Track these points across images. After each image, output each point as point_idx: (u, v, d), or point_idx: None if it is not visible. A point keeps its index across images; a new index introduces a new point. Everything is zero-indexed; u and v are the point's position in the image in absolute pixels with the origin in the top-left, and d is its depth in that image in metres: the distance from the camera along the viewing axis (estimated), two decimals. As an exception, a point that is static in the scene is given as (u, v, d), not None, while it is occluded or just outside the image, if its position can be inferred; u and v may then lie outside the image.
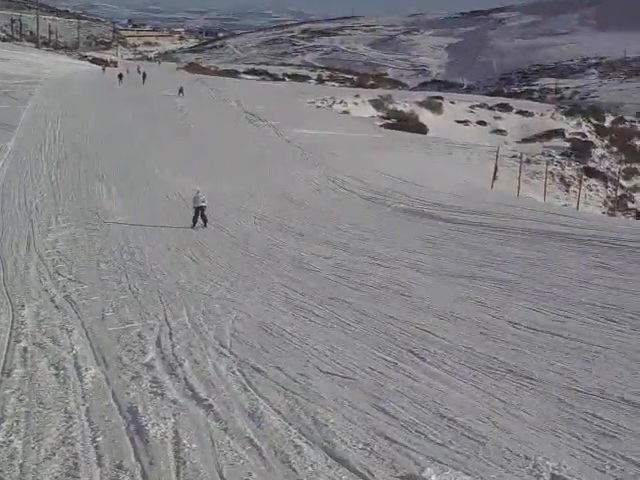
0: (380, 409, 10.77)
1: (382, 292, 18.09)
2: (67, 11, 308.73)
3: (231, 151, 44.91)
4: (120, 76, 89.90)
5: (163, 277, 19.54)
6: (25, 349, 13.49)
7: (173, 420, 10.40)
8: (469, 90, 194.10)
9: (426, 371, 12.51)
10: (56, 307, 16.35)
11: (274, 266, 21.25)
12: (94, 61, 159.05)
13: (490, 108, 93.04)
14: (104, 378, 12.16)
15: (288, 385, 11.76)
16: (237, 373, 12.34)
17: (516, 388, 11.74)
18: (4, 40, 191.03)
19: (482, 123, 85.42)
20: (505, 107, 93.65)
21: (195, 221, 27.26)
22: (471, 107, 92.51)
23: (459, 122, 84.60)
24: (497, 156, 44.37)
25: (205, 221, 27.37)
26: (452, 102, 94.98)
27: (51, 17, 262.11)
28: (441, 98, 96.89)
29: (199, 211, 27.27)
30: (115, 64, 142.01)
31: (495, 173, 41.27)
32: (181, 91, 74.41)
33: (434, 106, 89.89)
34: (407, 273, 20.16)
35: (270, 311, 16.44)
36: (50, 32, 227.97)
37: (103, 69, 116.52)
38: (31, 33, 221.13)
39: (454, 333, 14.64)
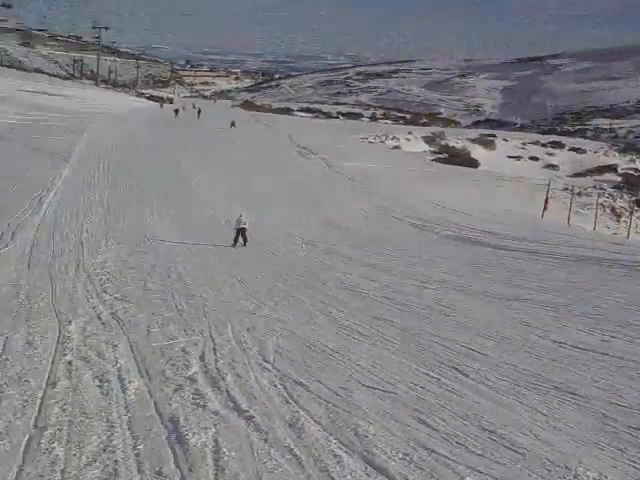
0: (421, 421, 10.66)
1: (427, 312, 17.98)
2: (127, 52, 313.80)
3: (282, 182, 45.16)
4: (176, 111, 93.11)
5: (209, 296, 19.57)
6: (70, 362, 13.55)
7: (214, 430, 10.36)
8: (522, 129, 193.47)
9: (469, 386, 12.37)
10: (102, 324, 16.40)
11: (320, 287, 21.21)
12: (151, 98, 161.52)
13: (543, 145, 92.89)
14: (147, 390, 12.16)
15: (329, 398, 11.69)
16: (279, 386, 12.30)
17: (559, 402, 11.59)
18: (65, 78, 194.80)
19: (534, 159, 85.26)
20: (558, 144, 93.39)
21: (236, 240, 28.79)
22: (523, 144, 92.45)
23: (511, 157, 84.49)
24: (548, 187, 44.09)
25: (245, 241, 28.83)
26: (505, 139, 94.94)
27: (112, 58, 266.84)
28: (494, 136, 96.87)
29: (240, 232, 28.83)
30: (171, 101, 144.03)
31: (546, 204, 40.98)
32: (233, 124, 77.15)
33: (486, 142, 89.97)
34: (453, 295, 20.04)
35: (315, 329, 16.37)
36: (110, 71, 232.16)
37: (161, 105, 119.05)
38: (92, 72, 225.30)
39: (498, 351, 14.49)
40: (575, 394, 11.91)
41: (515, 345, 14.97)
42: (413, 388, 12.25)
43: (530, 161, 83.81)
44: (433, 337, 15.51)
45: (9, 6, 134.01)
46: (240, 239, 28.92)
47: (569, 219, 44.42)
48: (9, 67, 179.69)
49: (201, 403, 11.50)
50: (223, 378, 12.69)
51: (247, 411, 11.10)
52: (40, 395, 11.89)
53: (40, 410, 11.31)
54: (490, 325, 16.57)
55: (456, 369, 13.37)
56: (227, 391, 12.03)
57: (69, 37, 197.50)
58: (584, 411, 11.20)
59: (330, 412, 11.10)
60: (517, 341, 15.23)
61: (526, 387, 12.34)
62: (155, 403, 11.55)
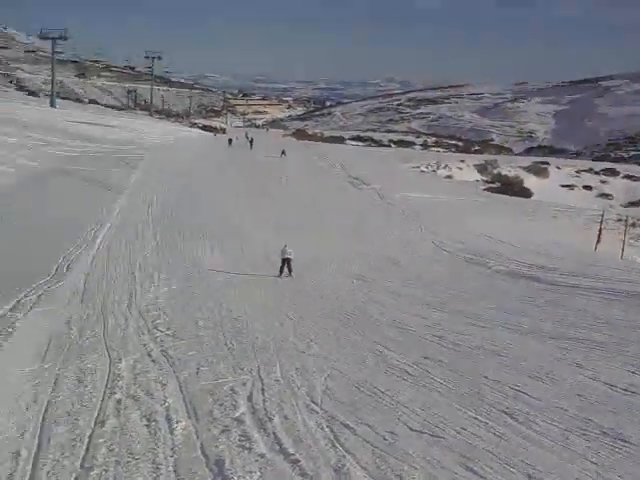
0: (468, 469, 10.60)
1: (477, 352, 17.84)
2: (180, 82, 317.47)
3: (334, 213, 45.27)
4: (230, 141, 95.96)
5: (259, 334, 19.60)
6: (119, 401, 13.68)
7: (259, 474, 10.40)
8: (576, 155, 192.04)
9: (517, 432, 12.25)
10: (152, 361, 16.52)
11: (370, 325, 21.14)
12: (204, 128, 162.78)
13: (596, 173, 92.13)
14: (194, 431, 12.22)
15: (377, 442, 11.65)
16: (326, 429, 12.28)
17: (610, 451, 11.41)
18: (120, 109, 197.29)
19: (588, 187, 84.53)
20: (612, 172, 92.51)
21: (281, 270, 29.88)
22: (577, 172, 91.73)
23: (564, 186, 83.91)
24: (602, 219, 43.64)
25: (290, 271, 29.83)
26: (558, 167, 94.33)
27: (165, 88, 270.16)
28: (547, 163, 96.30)
29: (285, 262, 29.97)
30: (224, 131, 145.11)
31: (599, 236, 40.52)
32: (283, 153, 78.87)
33: (539, 171, 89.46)
34: (504, 334, 19.87)
35: (363, 369, 16.32)
36: (163, 101, 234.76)
37: (214, 135, 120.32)
38: (145, 102, 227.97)
39: (548, 394, 14.33)
40: (627, 442, 11.72)
41: (565, 387, 14.80)
42: (461, 432, 12.17)
43: (584, 190, 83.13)
44: (482, 378, 15.39)
45: (65, 38, 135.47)
46: (285, 269, 29.92)
47: (622, 252, 44.01)
48: (65, 99, 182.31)
49: (247, 445, 11.53)
50: (270, 420, 12.71)
51: (293, 455, 11.12)
52: (88, 434, 12.02)
53: (88, 449, 11.43)
54: (540, 366, 16.39)
55: (505, 413, 13.26)
56: (274, 433, 12.04)
57: (124, 68, 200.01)
58: (637, 460, 11.01)
59: (377, 457, 11.07)
60: (567, 383, 15.06)
61: (576, 433, 12.19)
62: (202, 445, 11.61)
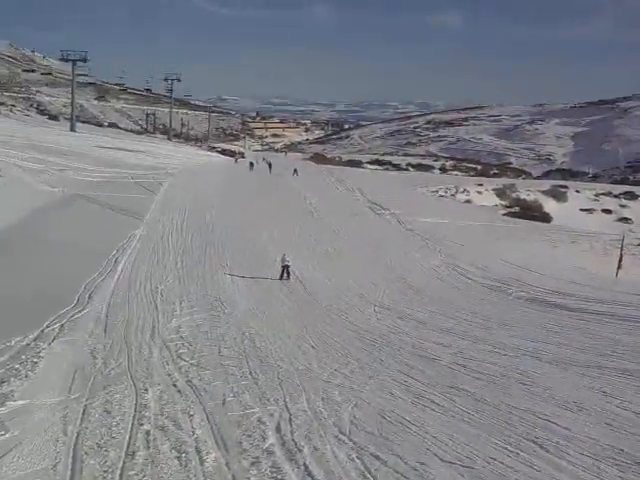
0: (501, 499, 10.62)
1: (503, 381, 17.82)
2: (198, 105, 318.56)
3: (353, 239, 45.24)
4: (251, 164, 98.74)
5: (283, 363, 19.63)
6: (148, 432, 13.75)
7: (293, 506, 10.47)
8: (594, 178, 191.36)
9: (548, 461, 12.27)
10: (178, 391, 16.59)
11: (393, 354, 21.14)
12: (223, 152, 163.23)
13: (615, 196, 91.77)
14: (224, 462, 12.31)
15: (407, 473, 11.70)
16: (356, 460, 12.34)
17: (643, 482, 11.40)
18: (139, 133, 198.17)
19: (607, 211, 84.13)
20: (631, 195, 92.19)
21: (282, 276, 33.93)
22: (596, 195, 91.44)
23: (583, 210, 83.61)
24: (622, 244, 43.47)
25: (289, 275, 34.04)
26: (577, 191, 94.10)
27: (184, 111, 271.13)
28: (566, 187, 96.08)
29: (284, 268, 34.09)
30: (242, 155, 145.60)
31: (620, 261, 40.34)
32: (295, 172, 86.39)
33: (558, 195, 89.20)
34: (529, 362, 19.82)
35: (390, 399, 16.36)
36: (182, 125, 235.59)
37: (235, 160, 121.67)
38: (164, 126, 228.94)
39: (577, 423, 14.33)
40: (659, 473, 11.71)
41: (594, 417, 14.78)
42: (491, 463, 12.21)
43: (603, 214, 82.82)
44: (510, 408, 15.40)
45: (85, 60, 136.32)
46: (285, 274, 33.98)
47: (645, 277, 43.62)
48: (85, 122, 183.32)
49: (279, 477, 11.63)
50: (300, 450, 12.78)
51: (325, 486, 11.18)
52: (120, 466, 12.08)
53: (121, 481, 11.51)
54: (568, 395, 16.37)
55: (535, 442, 13.29)
56: (304, 465, 12.11)
57: (145, 90, 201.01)
58: (669, 491, 11.02)
59: (408, 489, 11.12)
60: (596, 412, 15.04)
61: (608, 463, 12.19)
62: (233, 476, 11.68)
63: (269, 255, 37.45)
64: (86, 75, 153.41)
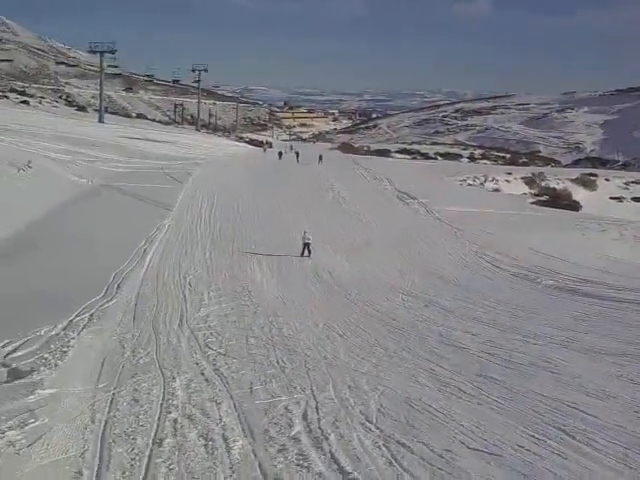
0: (528, 487, 10.58)
1: (531, 369, 17.74)
2: (225, 95, 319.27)
3: (381, 228, 45.21)
4: (280, 154, 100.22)
5: (310, 352, 19.65)
6: (176, 420, 13.80)
7: (318, 493, 10.48)
8: (624, 166, 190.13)
9: (576, 449, 12.20)
10: (206, 380, 16.64)
11: (421, 342, 21.09)
12: (251, 142, 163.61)
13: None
14: (251, 450, 12.32)
15: (434, 460, 11.68)
16: (383, 448, 12.33)
17: (672, 469, 11.32)
18: (167, 124, 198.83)
19: (637, 199, 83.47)
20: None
21: (303, 252, 36.57)
22: (626, 183, 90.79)
23: (613, 198, 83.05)
24: (653, 231, 43.22)
25: (309, 252, 36.56)
26: (606, 179, 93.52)
27: (211, 101, 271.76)
28: (595, 175, 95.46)
29: (305, 245, 36.73)
30: (270, 145, 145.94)
31: (651, 249, 40.03)
32: (320, 159, 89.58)
33: (588, 183, 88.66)
34: (557, 350, 19.69)
35: (416, 387, 16.33)
36: (210, 115, 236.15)
37: (264, 150, 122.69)
38: (192, 117, 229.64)
39: (606, 412, 14.23)
40: (689, 460, 11.61)
41: (623, 405, 14.68)
42: (519, 451, 12.15)
43: (633, 202, 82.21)
44: (538, 396, 15.33)
45: (113, 52, 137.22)
46: (306, 251, 36.54)
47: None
48: (113, 114, 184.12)
49: (305, 464, 11.62)
50: (326, 438, 12.79)
51: (351, 473, 11.19)
52: (147, 454, 12.13)
53: (147, 470, 11.55)
54: (596, 383, 16.26)
55: (563, 430, 13.22)
56: (331, 452, 12.12)
57: (173, 82, 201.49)
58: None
59: (434, 475, 11.13)
60: (625, 401, 14.94)
61: (636, 450, 12.11)
62: (260, 464, 11.70)
63: (297, 246, 37.40)
64: (116, 67, 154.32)
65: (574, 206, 70.44)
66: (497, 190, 79.84)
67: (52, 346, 18.05)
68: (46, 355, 17.21)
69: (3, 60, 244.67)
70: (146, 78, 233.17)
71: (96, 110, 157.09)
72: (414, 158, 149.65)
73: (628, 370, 17.49)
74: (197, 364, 18.06)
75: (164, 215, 44.22)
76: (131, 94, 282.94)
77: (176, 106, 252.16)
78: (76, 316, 21.43)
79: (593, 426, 13.36)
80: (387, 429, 13.31)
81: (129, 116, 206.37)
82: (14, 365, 16.29)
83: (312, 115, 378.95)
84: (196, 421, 13.81)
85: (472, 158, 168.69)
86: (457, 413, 14.24)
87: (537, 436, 12.90)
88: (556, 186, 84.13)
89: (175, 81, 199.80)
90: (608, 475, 11.09)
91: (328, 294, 28.68)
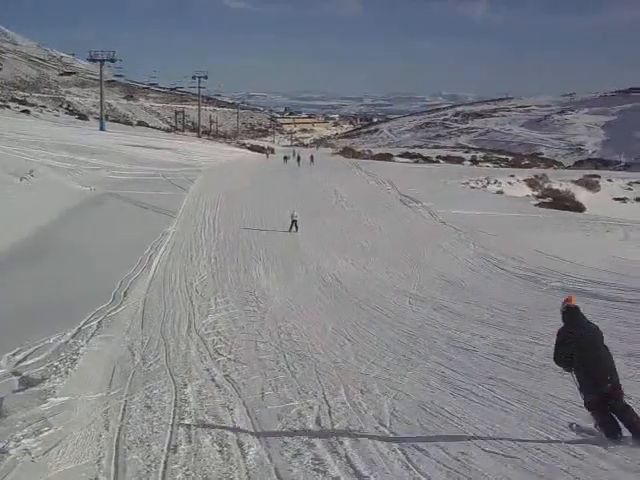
0: (545, 488, 10.58)
1: (542, 370, 17.74)
2: (226, 102, 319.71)
3: (386, 231, 45.25)
4: (285, 158, 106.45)
5: (320, 356, 19.68)
6: (189, 426, 13.82)
7: (336, 497, 10.50)
8: (626, 167, 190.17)
9: (592, 450, 12.16)
10: (217, 386, 16.68)
11: (430, 345, 21.12)
12: (252, 148, 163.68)
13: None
14: (266, 455, 12.32)
15: (450, 463, 11.67)
16: (398, 451, 12.32)
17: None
18: (168, 131, 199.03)
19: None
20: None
21: (290, 228, 44.43)
22: (629, 184, 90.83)
23: (617, 199, 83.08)
24: (657, 232, 43.25)
25: (297, 228, 44.50)
26: (609, 180, 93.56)
27: (212, 108, 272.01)
28: (597, 176, 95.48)
29: (293, 222, 44.60)
30: (272, 151, 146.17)
31: (656, 250, 40.00)
32: (312, 160, 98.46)
33: (590, 184, 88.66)
34: (567, 351, 19.70)
35: (428, 391, 16.35)
36: (211, 122, 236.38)
37: (267, 155, 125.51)
38: (193, 123, 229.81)
39: (619, 411, 14.21)
40: None
41: (636, 405, 14.65)
42: (534, 452, 12.12)
43: (637, 203, 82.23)
44: (551, 397, 15.35)
45: (113, 60, 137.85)
46: (294, 227, 44.27)
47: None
48: (114, 121, 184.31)
49: (321, 469, 11.62)
50: (341, 443, 12.76)
51: (368, 477, 11.19)
52: (163, 460, 12.14)
53: (164, 476, 11.57)
54: (607, 384, 16.26)
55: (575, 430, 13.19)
56: (346, 456, 12.11)
57: (170, 90, 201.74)
58: None
59: (451, 478, 11.09)
60: (638, 400, 14.90)
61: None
62: (276, 469, 11.69)
63: (300, 249, 37.45)
64: (122, 76, 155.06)
65: (578, 207, 70.39)
66: (500, 192, 79.78)
67: (62, 354, 18.07)
68: (56, 363, 17.23)
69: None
70: (148, 86, 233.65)
71: (97, 118, 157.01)
72: (416, 162, 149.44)
73: (637, 370, 17.51)
74: (207, 370, 18.11)
75: (168, 222, 44.30)
76: (132, 102, 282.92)
77: (177, 113, 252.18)
78: (84, 324, 21.46)
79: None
80: (401, 433, 13.32)
81: (130, 124, 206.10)
82: (25, 373, 16.32)
83: (313, 120, 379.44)
84: (210, 427, 13.82)
85: (474, 161, 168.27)
86: (470, 416, 14.25)
87: (552, 437, 12.90)
88: (559, 188, 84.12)
89: (172, 89, 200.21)
90: (625, 476, 11.05)
91: (335, 298, 28.69)
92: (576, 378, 12.51)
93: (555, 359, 12.85)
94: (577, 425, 13.15)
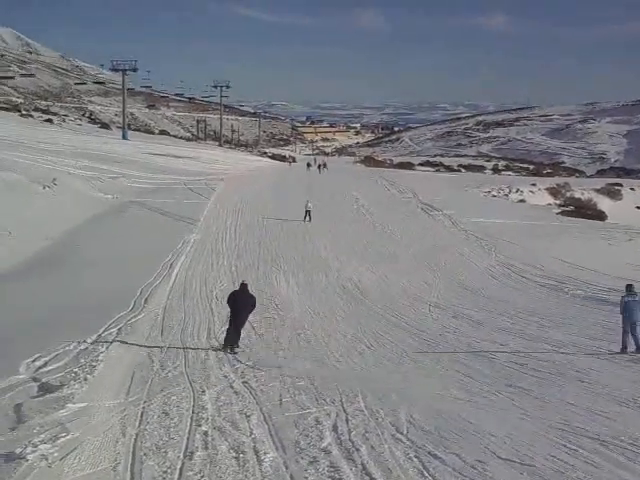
0: (563, 497, 10.50)
1: (560, 379, 17.67)
2: (247, 111, 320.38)
3: (407, 239, 45.17)
4: (308, 165, 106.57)
5: (339, 363, 19.65)
6: (206, 433, 13.76)
7: (351, 505, 10.45)
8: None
9: (609, 459, 12.07)
10: (235, 393, 16.61)
11: (451, 354, 21.07)
12: (273, 157, 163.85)
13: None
14: (282, 462, 12.25)
15: (466, 471, 11.56)
16: (414, 459, 12.22)
17: None
18: (189, 140, 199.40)
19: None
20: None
21: (305, 218, 48.76)
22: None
23: (639, 208, 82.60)
24: (680, 241, 42.94)
25: (310, 219, 48.69)
26: (632, 188, 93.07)
27: (233, 117, 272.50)
28: (620, 185, 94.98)
29: (307, 212, 48.90)
30: (294, 159, 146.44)
31: (679, 259, 39.71)
32: (324, 166, 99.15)
33: (612, 193, 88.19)
34: (587, 359, 19.63)
35: (446, 398, 16.28)
36: (232, 131, 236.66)
37: (289, 164, 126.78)
38: (214, 132, 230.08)
39: (637, 421, 14.12)
40: None
41: (655, 414, 14.59)
42: (551, 460, 12.02)
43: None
44: (568, 405, 15.25)
45: (135, 69, 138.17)
46: (307, 217, 48.43)
47: None
48: (136, 130, 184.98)
49: (337, 476, 11.52)
50: (357, 450, 12.68)
51: (383, 485, 11.12)
52: (179, 466, 12.09)
53: (180, 482, 11.54)
54: (626, 392, 16.17)
55: (595, 439, 13.09)
56: (362, 464, 12.02)
57: (189, 99, 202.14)
58: None
59: (467, 486, 11.03)
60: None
61: None
62: (291, 476, 11.62)
63: (321, 256, 37.40)
64: (150, 87, 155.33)
65: (600, 216, 70.01)
66: (522, 201, 79.47)
67: (82, 360, 18.10)
68: (76, 369, 17.25)
69: (25, 75, 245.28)
70: (168, 95, 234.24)
71: (119, 127, 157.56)
72: (437, 170, 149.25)
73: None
74: (226, 377, 18.05)
75: (190, 230, 44.35)
76: (154, 111, 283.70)
77: (198, 122, 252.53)
78: (104, 330, 21.51)
79: (626, 436, 13.22)
80: (418, 440, 13.22)
81: (152, 133, 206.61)
82: (44, 379, 16.34)
83: (334, 129, 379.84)
84: (226, 434, 13.75)
85: (496, 170, 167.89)
86: (488, 423, 14.14)
87: (569, 446, 12.77)
88: (581, 196, 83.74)
89: (190, 98, 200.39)
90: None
91: (354, 305, 28.70)
92: None
93: None
94: None
